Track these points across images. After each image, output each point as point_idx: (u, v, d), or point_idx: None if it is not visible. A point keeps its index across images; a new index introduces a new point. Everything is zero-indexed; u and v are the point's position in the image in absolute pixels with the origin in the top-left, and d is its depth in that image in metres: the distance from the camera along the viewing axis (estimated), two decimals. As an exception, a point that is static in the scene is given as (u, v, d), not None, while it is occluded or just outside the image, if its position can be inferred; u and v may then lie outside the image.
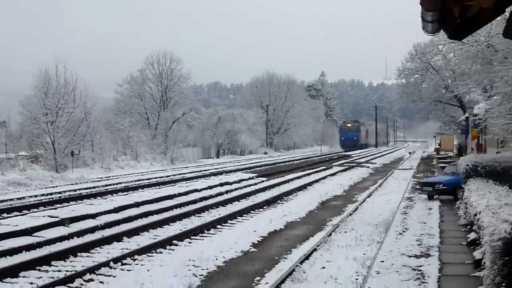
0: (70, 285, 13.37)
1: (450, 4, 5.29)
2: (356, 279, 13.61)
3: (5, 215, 24.74)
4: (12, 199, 31.70)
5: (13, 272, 14.63)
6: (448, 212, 24.23)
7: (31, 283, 13.66)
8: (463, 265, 14.65)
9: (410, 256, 15.89)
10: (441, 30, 6.28)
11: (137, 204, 26.67)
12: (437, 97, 65.30)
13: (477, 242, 15.55)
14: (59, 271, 14.95)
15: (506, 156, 26.79)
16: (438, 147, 71.93)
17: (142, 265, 15.52)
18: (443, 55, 58.94)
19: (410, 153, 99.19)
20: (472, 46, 36.55)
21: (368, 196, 31.61)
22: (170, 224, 22.21)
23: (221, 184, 37.75)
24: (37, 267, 15.27)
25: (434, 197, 29.06)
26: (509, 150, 35.21)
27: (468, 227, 18.94)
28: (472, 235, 17.05)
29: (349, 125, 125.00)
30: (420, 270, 14.28)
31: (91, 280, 13.90)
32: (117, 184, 40.72)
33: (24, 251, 16.99)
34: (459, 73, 52.54)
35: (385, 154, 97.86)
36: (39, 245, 17.86)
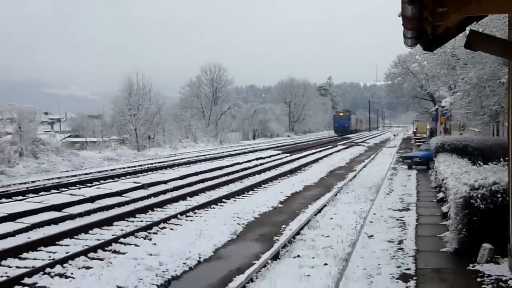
0: (150, 231, 13.71)
1: (424, 25, 5.32)
2: (355, 226, 13.79)
3: (102, 181, 25.13)
4: (106, 170, 32.16)
5: (109, 222, 15.02)
6: (423, 178, 24.22)
7: (121, 230, 14.00)
8: (434, 217, 14.75)
9: (394, 210, 15.97)
10: (418, 44, 6.31)
11: (196, 173, 26.98)
12: (415, 94, 65.42)
13: (444, 199, 15.65)
14: (141, 221, 15.34)
15: (465, 137, 26.66)
16: (415, 130, 71.41)
17: (200, 217, 15.78)
18: (418, 62, 58.82)
19: (394, 135, 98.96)
20: (440, 55, 36.48)
21: (364, 167, 31.64)
22: (220, 187, 22.48)
23: (256, 159, 38.00)
24: (125, 219, 15.66)
25: (412, 167, 29.13)
26: (467, 132, 34.98)
27: (438, 188, 19.00)
28: (441, 195, 17.13)
29: (341, 114, 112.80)
30: (402, 220, 14.37)
31: (164, 228, 14.18)
32: (181, 159, 41.02)
33: (116, 207, 17.37)
34: (431, 76, 52.59)
35: (376, 136, 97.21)
36: (127, 203, 18.25)
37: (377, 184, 22.41)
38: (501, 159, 13.93)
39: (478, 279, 8.93)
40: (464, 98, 28.97)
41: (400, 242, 11.80)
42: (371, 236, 12.44)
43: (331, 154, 44.14)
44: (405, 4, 3.93)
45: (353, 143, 63.93)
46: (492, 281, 8.78)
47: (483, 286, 8.59)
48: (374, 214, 15.28)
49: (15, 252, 11.50)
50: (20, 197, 19.91)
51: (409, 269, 9.67)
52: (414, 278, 9.13)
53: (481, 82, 25.18)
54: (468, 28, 7.78)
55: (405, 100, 70.94)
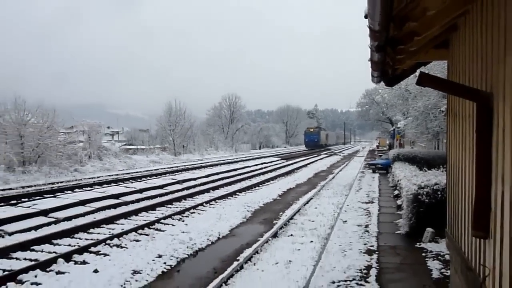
0: (183, 215, 13.72)
1: (387, 67, 5.36)
2: (334, 214, 13.75)
3: (148, 178, 25.18)
4: (151, 170, 32.22)
5: (153, 207, 15.08)
6: (383, 180, 24.11)
7: (162, 213, 13.98)
8: (391, 208, 14.69)
9: (362, 202, 15.92)
10: (381, 81, 6.35)
11: (217, 173, 26.98)
12: (378, 118, 65.33)
13: (399, 195, 15.59)
14: (176, 207, 15.33)
15: (414, 150, 26.54)
16: (378, 144, 70.93)
17: (220, 205, 15.77)
18: (381, 95, 58.88)
19: (363, 148, 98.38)
20: (397, 90, 36.82)
21: (340, 170, 31.49)
22: (234, 184, 22.44)
23: (261, 163, 37.94)
24: (165, 205, 15.66)
25: (376, 171, 28.97)
26: (416, 146, 34.85)
27: (394, 187, 18.92)
28: (396, 192, 17.07)
29: (312, 130, 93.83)
30: (368, 210, 14.33)
31: (193, 212, 14.20)
32: (206, 162, 40.99)
33: (158, 197, 17.40)
34: (390, 105, 52.72)
35: (349, 148, 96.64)
36: (166, 194, 18.26)
37: (350, 183, 22.33)
38: (441, 166, 13.97)
39: (423, 254, 8.96)
40: (414, 121, 29.08)
41: (366, 226, 11.79)
42: (345, 221, 12.43)
43: (316, 161, 44.01)
44: (373, 52, 3.96)
45: (332, 153, 63.76)
46: (433, 255, 8.80)
47: (427, 258, 8.60)
48: (348, 205, 15.24)
49: (84, 228, 11.58)
50: (89, 188, 20.03)
51: (372, 246, 9.66)
52: (376, 252, 9.13)
53: (426, 110, 25.28)
54: (418, 70, 7.83)
55: (371, 122, 71.35)
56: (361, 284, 7.19)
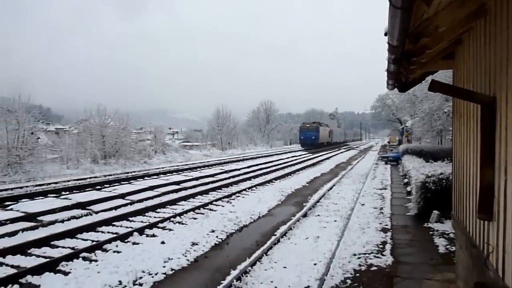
0: (230, 198, 13.74)
1: (400, 76, 5.17)
2: (353, 198, 13.51)
3: (202, 168, 25.49)
4: (204, 162, 32.57)
5: (206, 192, 15.20)
6: (394, 170, 23.50)
7: (214, 197, 14.12)
8: (401, 193, 14.30)
9: (377, 189, 15.58)
10: (395, 88, 6.17)
11: (256, 165, 26.95)
12: (389, 118, 63.74)
13: (408, 183, 15.11)
14: (225, 192, 15.35)
15: (421, 145, 25.67)
16: (389, 141, 69.11)
17: (259, 190, 15.77)
18: (391, 99, 57.52)
19: (376, 143, 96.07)
20: (406, 95, 35.64)
21: (358, 162, 30.90)
22: (271, 173, 22.35)
23: (292, 156, 37.66)
24: (216, 190, 15.74)
25: (388, 163, 28.22)
26: (422, 142, 33.77)
27: (404, 176, 18.34)
28: (406, 180, 16.55)
29: (308, 125, 67.46)
30: (382, 195, 14.00)
31: (238, 196, 14.25)
32: (247, 156, 41.09)
33: (210, 184, 17.50)
34: (399, 107, 51.54)
35: (364, 144, 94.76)
36: (216, 181, 18.36)
37: (366, 173, 21.87)
38: (444, 159, 13.47)
39: (430, 232, 8.66)
40: (420, 121, 28.30)
41: (381, 208, 11.51)
42: (363, 204, 12.18)
43: (337, 154, 43.34)
44: (390, 64, 3.84)
45: (350, 148, 62.70)
46: (439, 233, 8.49)
47: (433, 236, 8.31)
48: (365, 191, 14.93)
49: (153, 208, 11.81)
50: (155, 177, 20.43)
51: (387, 225, 9.43)
52: (390, 230, 8.90)
53: (431, 112, 24.53)
54: (426, 78, 7.57)
55: (383, 122, 69.95)
56: (378, 257, 7.03)
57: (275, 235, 8.53)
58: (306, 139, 59.05)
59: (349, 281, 5.94)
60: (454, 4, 3.23)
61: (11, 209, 10.64)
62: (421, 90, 26.75)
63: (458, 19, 3.55)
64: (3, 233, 8.55)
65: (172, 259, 7.08)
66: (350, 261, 6.81)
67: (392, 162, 27.79)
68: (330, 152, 46.36)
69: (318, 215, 10.81)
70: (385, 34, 2.98)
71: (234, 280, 5.92)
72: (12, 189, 16.85)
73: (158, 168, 26.84)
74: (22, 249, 7.57)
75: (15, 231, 8.79)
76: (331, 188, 15.88)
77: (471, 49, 4.36)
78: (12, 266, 6.80)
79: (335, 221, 10.01)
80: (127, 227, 9.54)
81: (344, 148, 59.72)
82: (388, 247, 7.62)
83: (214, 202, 12.71)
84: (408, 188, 13.98)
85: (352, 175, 21.31)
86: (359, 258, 6.98)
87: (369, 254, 7.19)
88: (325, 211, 11.32)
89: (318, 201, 12.82)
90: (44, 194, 14.87)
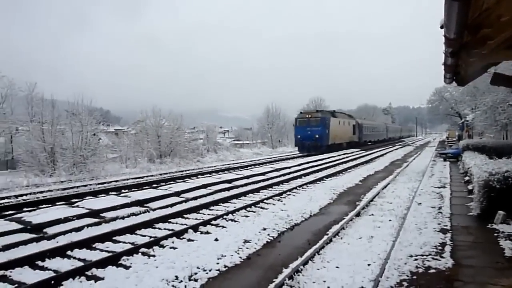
0: (281, 196, 13.73)
1: (459, 69, 4.90)
2: (409, 197, 13.00)
3: (252, 167, 25.76)
4: (254, 160, 32.91)
5: (257, 190, 15.28)
6: (454, 167, 22.25)
7: (265, 195, 14.18)
8: (462, 192, 13.49)
9: (435, 187, 14.83)
10: (453, 82, 5.86)
11: (307, 162, 26.66)
12: (447, 112, 60.77)
13: (469, 181, 14.25)
14: (275, 190, 15.36)
15: (483, 140, 24.20)
16: (448, 136, 65.66)
17: (310, 188, 15.64)
18: (450, 92, 54.61)
19: (433, 139, 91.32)
20: (465, 87, 33.69)
21: (413, 159, 29.63)
22: (321, 171, 22.07)
23: (344, 153, 36.87)
24: (267, 189, 15.79)
25: (446, 160, 26.78)
26: (484, 137, 31.72)
27: (464, 174, 17.35)
28: (467, 178, 15.64)
29: (309, 116, 37.09)
30: (441, 194, 13.32)
31: (289, 194, 14.21)
32: (298, 153, 40.83)
33: (261, 182, 17.58)
34: (459, 101, 48.84)
35: (420, 140, 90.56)
36: (267, 179, 18.38)
37: (422, 170, 20.92)
38: (510, 155, 12.54)
39: (495, 234, 8.09)
40: (482, 115, 26.75)
41: (440, 208, 10.97)
42: (420, 203, 11.67)
43: (390, 151, 41.85)
44: (447, 57, 3.66)
45: (405, 144, 60.33)
46: (505, 235, 7.92)
47: (499, 238, 7.77)
48: (421, 189, 14.28)
49: (206, 206, 12.12)
50: (208, 175, 20.96)
51: (446, 225, 8.97)
52: (450, 231, 8.45)
53: (495, 104, 23.07)
54: (489, 70, 7.11)
55: (440, 116, 66.94)
56: (436, 259, 6.72)
57: (327, 234, 8.43)
58: (305, 139, 36.58)
59: (405, 284, 5.74)
60: (518, -9, 3.01)
61: (77, 206, 11.42)
62: (483, 81, 25.15)
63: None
64: (71, 228, 9.21)
65: (225, 256, 7.24)
66: (407, 263, 6.58)
67: (451, 159, 26.33)
68: (383, 149, 44.89)
69: (372, 214, 10.52)
70: (441, 27, 2.85)
71: (287, 279, 5.94)
72: (77, 187, 18.10)
73: (210, 167, 27.53)
74: (87, 244, 8.12)
75: (81, 226, 9.44)
76: (385, 187, 15.37)
77: (539, 38, 4.03)
78: (79, 259, 7.32)
79: (390, 220, 9.70)
80: (182, 224, 9.89)
81: (399, 145, 57.55)
82: (447, 248, 7.25)
83: (265, 200, 12.78)
84: (469, 187, 13.20)
85: (408, 172, 20.49)
86: (416, 259, 6.72)
87: (426, 255, 6.89)
88: (379, 210, 11.00)
89: (371, 200, 12.47)
90: (106, 192, 15.82)
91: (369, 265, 6.58)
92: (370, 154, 36.39)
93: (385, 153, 37.61)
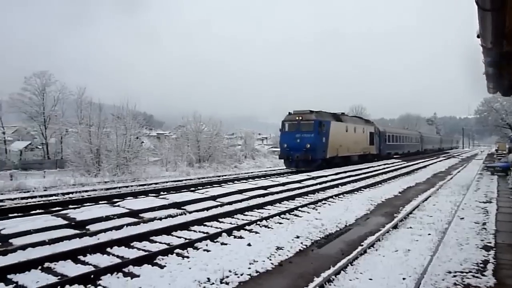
0: (316, 205, 13.60)
1: (503, 79, 4.73)
2: (451, 211, 12.47)
3: (289, 174, 25.56)
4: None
5: (292, 198, 15.13)
6: (502, 181, 21.06)
7: (299, 203, 14.00)
8: (510, 208, 12.77)
9: (480, 202, 14.11)
10: (497, 92, 5.62)
11: (345, 171, 26.15)
12: (497, 124, 57.72)
13: (518, 197, 13.47)
14: (310, 198, 15.14)
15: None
16: (497, 148, 62.25)
17: (346, 198, 15.38)
18: (500, 102, 51.93)
19: (481, 151, 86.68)
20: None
21: (458, 172, 28.37)
22: (359, 181, 21.59)
23: (384, 164, 35.78)
24: (302, 196, 15.64)
25: (494, 173, 25.39)
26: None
27: (513, 189, 16.38)
28: (515, 194, 14.76)
29: (299, 118, 24.46)
30: (486, 209, 12.66)
31: (325, 203, 14.03)
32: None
33: (296, 190, 17.37)
34: (510, 111, 46.31)
35: (466, 152, 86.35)
36: (303, 187, 18.13)
37: (467, 184, 19.97)
38: None
39: (544, 254, 7.62)
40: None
41: (484, 224, 10.45)
42: (462, 218, 11.17)
43: (434, 163, 40.25)
44: (487, 66, 3.57)
45: (451, 156, 57.82)
46: (555, 256, 7.43)
47: (548, 259, 7.30)
48: (465, 204, 13.64)
49: (241, 211, 12.22)
50: (244, 181, 21.12)
51: (490, 242, 8.53)
52: (494, 249, 8.03)
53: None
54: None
55: (489, 128, 63.85)
56: (477, 277, 6.42)
57: (362, 245, 8.27)
58: (293, 149, 25.89)
59: (441, 300, 5.55)
60: None
61: (118, 206, 11.91)
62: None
63: None
64: (111, 227, 9.63)
65: (257, 261, 7.29)
66: (444, 279, 6.33)
67: (500, 173, 24.94)
68: (426, 160, 43.25)
69: (410, 227, 10.20)
70: (478, 36, 2.80)
71: None
72: (119, 187, 18.89)
73: (247, 173, 27.74)
74: (126, 242, 8.46)
75: (121, 225, 9.84)
76: (426, 199, 14.83)
77: None
78: (117, 256, 7.64)
79: (429, 234, 9.37)
80: (216, 228, 10.05)
81: (444, 156, 55.24)
82: (490, 266, 6.91)
83: (300, 208, 12.71)
84: (518, 203, 12.50)
85: (451, 185, 19.65)
86: (454, 276, 6.46)
87: (466, 273, 6.61)
88: (418, 224, 10.64)
89: (410, 213, 12.09)
90: (146, 193, 16.39)
91: (404, 279, 6.40)
92: (411, 165, 35.19)
93: (428, 165, 36.24)
